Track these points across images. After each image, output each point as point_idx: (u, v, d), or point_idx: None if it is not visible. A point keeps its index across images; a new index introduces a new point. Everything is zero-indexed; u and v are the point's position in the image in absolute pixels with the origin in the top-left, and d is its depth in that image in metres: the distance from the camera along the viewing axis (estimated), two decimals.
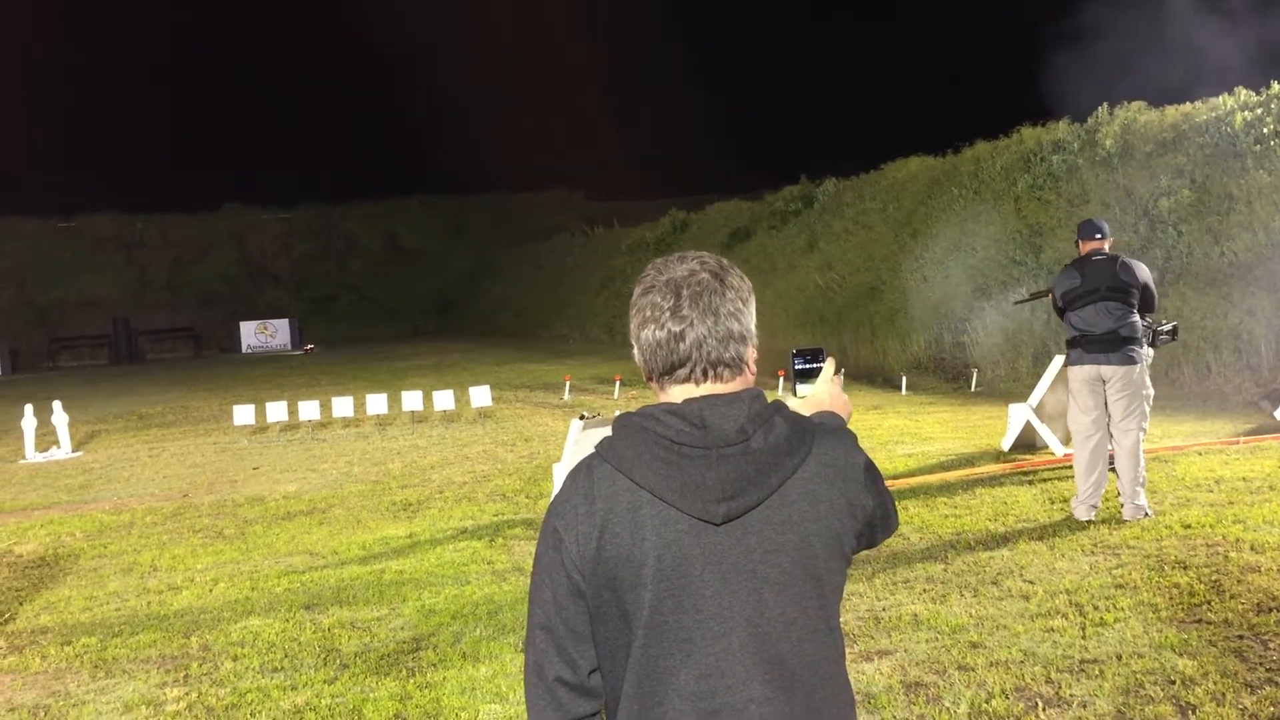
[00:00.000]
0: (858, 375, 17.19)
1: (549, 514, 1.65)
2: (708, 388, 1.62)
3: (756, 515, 1.57)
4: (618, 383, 17.41)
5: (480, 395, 15.33)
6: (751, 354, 1.67)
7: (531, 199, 53.47)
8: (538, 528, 8.24)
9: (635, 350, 1.66)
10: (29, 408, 14.71)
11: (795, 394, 2.13)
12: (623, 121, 63.34)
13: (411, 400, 15.22)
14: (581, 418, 8.16)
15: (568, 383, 17.89)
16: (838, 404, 1.97)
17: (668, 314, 1.61)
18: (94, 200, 46.81)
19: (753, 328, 1.67)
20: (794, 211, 27.42)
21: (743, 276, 1.69)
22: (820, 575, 1.61)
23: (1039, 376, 10.03)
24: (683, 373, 1.62)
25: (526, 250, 44.54)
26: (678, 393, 1.63)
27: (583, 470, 1.64)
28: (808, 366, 2.09)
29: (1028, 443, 9.82)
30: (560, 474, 8.37)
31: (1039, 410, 9.61)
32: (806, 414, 2.03)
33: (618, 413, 1.66)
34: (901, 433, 11.55)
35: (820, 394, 2.01)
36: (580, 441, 8.15)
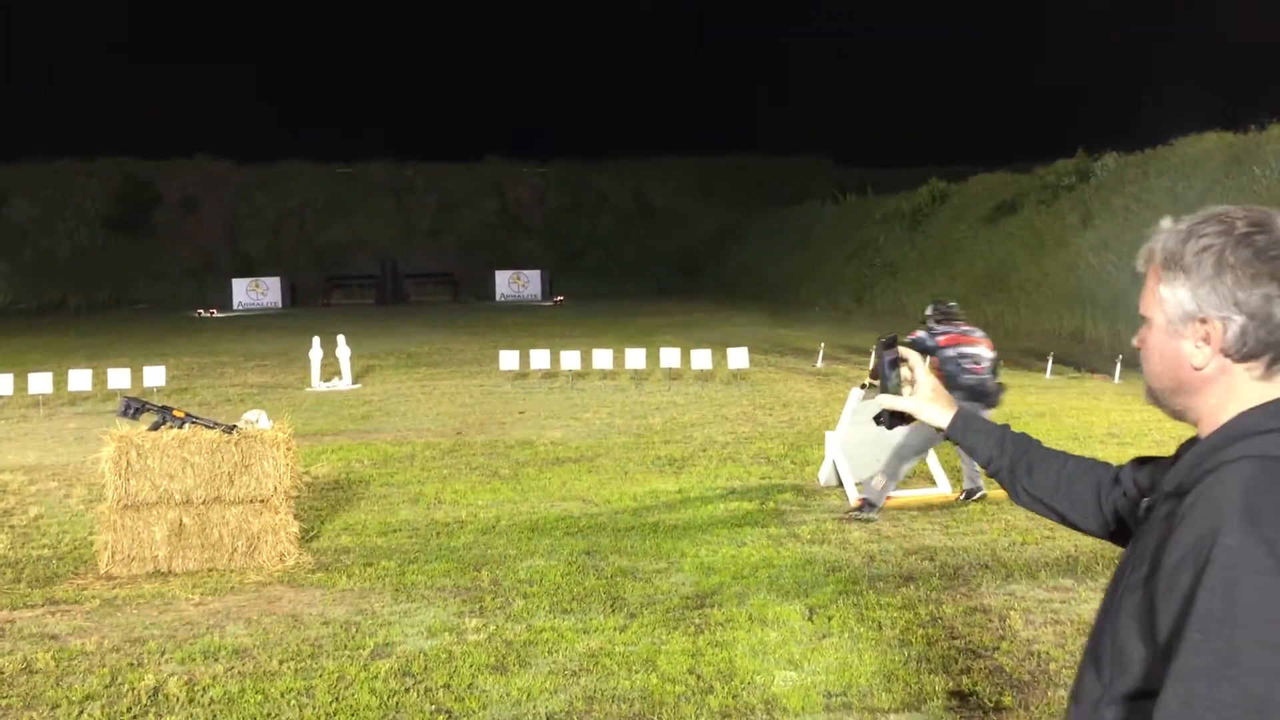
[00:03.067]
0: (1136, 365, 16.11)
1: (1265, 536, 1.18)
2: None
3: None
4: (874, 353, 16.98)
5: (738, 357, 15.27)
6: None
7: (781, 163, 52.84)
8: (807, 493, 8.10)
9: (1242, 320, 1.29)
10: (316, 340, 15.70)
11: (889, 387, 1.92)
12: (876, 86, 61.60)
13: (669, 357, 15.35)
14: (863, 387, 7.94)
15: (821, 349, 17.60)
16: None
17: None
18: (370, 148, 49.68)
19: None
20: (1067, 186, 25.93)
21: None
22: None
23: None
24: None
25: (774, 214, 44.15)
26: None
27: None
28: (896, 356, 1.91)
29: None
30: (833, 442, 8.17)
31: None
32: (944, 405, 1.86)
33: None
34: None
35: (932, 384, 1.88)
36: (859, 411, 7.94)
